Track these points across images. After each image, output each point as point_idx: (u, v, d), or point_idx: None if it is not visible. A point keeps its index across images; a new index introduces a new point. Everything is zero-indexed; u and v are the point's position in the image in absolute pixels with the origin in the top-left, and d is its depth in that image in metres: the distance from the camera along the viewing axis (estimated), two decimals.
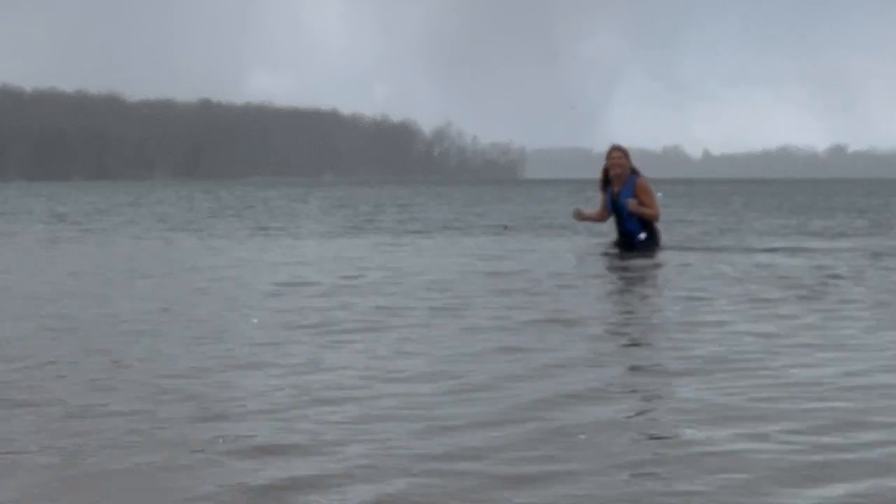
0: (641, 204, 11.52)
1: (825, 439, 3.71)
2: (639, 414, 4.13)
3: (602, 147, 12.15)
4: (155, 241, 15.33)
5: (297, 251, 13.04)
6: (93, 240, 15.65)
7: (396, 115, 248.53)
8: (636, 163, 11.86)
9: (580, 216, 12.37)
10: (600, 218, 12.19)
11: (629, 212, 11.59)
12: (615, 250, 11.73)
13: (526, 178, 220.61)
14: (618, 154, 11.68)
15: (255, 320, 6.52)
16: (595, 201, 13.28)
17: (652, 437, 3.75)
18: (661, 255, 11.30)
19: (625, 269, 10.20)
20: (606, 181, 11.80)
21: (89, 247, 14.12)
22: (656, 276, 9.62)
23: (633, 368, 5.04)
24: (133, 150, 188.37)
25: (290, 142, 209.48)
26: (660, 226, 12.14)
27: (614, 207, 11.73)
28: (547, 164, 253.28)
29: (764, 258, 11.40)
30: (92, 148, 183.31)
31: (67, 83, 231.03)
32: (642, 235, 11.64)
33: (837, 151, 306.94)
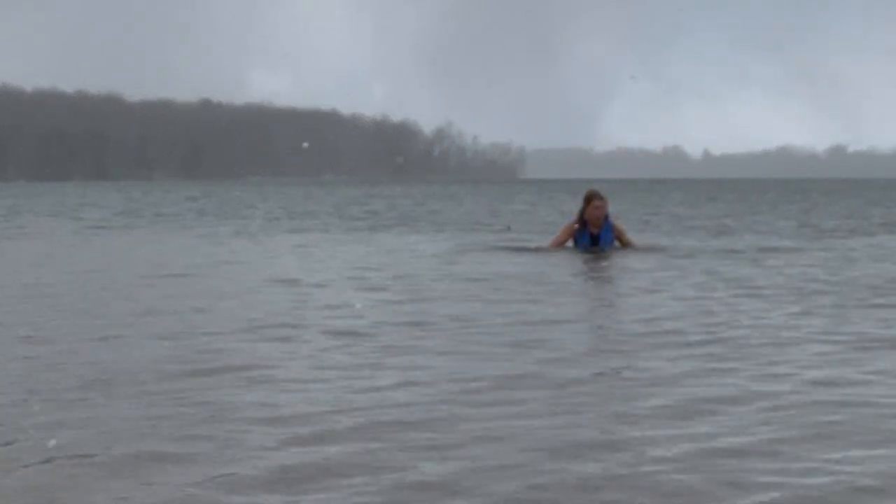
0: (626, 241, 12.66)
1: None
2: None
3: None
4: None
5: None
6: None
7: (396, 115, 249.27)
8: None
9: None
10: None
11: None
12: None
13: (526, 177, 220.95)
14: (601, 203, 12.41)
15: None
16: None
17: None
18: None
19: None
20: (583, 224, 12.53)
21: None
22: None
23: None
24: (133, 150, 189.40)
25: (290, 142, 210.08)
26: None
27: (593, 245, 12.43)
28: (547, 164, 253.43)
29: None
30: (92, 148, 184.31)
31: (67, 83, 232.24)
32: None
33: (837, 151, 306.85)
